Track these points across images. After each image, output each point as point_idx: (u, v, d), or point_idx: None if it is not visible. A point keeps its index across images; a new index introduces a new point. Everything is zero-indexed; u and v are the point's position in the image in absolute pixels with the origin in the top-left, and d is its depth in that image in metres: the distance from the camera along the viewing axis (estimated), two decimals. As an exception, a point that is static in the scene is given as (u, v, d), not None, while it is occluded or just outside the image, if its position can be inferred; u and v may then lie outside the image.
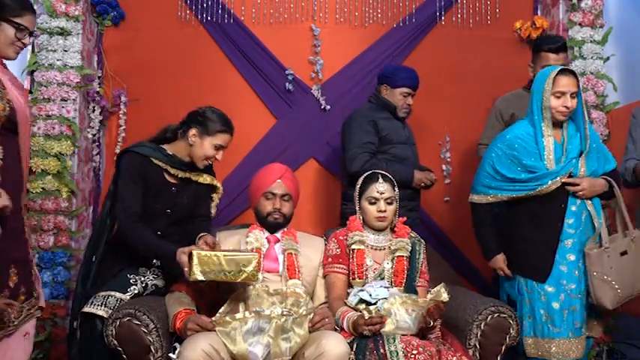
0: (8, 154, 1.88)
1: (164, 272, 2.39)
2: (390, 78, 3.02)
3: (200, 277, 2.03)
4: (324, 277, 2.46)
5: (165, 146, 2.44)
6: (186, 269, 2.10)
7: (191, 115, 2.44)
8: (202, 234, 2.34)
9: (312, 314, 2.11)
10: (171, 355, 2.09)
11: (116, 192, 2.36)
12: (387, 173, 2.53)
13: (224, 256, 2.06)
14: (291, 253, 2.40)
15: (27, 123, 2.03)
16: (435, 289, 2.16)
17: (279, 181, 2.45)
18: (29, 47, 3.20)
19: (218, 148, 2.39)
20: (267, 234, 2.45)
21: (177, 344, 2.12)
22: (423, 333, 2.15)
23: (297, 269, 2.37)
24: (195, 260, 2.04)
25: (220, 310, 2.14)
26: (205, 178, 2.49)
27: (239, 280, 2.07)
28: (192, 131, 2.38)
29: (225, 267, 2.04)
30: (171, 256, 2.16)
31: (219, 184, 2.57)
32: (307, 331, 2.07)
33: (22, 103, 2.00)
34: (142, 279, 2.31)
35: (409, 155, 3.00)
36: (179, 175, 2.42)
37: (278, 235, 2.47)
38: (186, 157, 2.42)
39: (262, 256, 2.23)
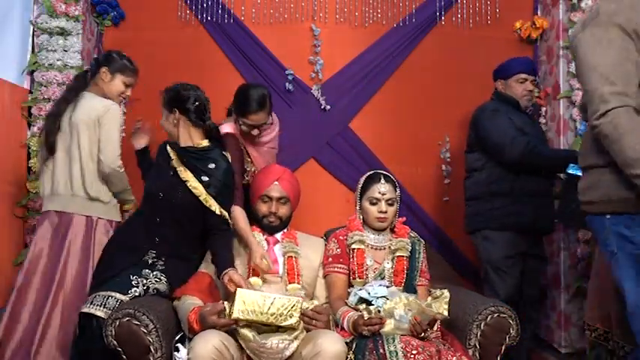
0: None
1: (167, 277, 2.34)
2: (502, 70, 3.01)
3: (240, 317, 1.99)
4: (325, 277, 2.46)
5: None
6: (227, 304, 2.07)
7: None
8: (227, 270, 2.22)
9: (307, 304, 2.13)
10: (175, 354, 2.09)
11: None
12: (388, 174, 2.53)
13: (268, 298, 2.01)
14: (291, 257, 2.40)
15: None
16: (439, 297, 2.12)
17: (276, 183, 2.44)
18: (29, 47, 3.21)
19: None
20: (266, 235, 2.45)
21: (179, 344, 2.12)
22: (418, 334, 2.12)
23: (297, 273, 2.37)
24: (237, 299, 1.99)
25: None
26: (194, 187, 2.31)
27: (281, 324, 2.02)
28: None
29: (267, 310, 2.00)
30: (222, 269, 2.22)
31: (202, 196, 2.32)
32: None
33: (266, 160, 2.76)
34: (145, 282, 2.28)
35: None
36: (171, 162, 2.37)
37: (278, 236, 2.47)
38: (181, 140, 2.41)
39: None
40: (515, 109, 2.94)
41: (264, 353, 1.99)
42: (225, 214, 2.34)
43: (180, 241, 2.39)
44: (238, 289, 2.04)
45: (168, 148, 2.40)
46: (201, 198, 2.31)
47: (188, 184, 2.32)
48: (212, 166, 2.35)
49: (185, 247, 2.40)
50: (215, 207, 2.32)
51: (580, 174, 2.09)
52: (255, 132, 2.63)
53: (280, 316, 2.01)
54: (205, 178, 2.33)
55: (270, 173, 2.50)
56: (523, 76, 2.96)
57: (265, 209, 2.44)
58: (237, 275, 2.21)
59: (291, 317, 2.01)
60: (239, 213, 2.45)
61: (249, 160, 2.71)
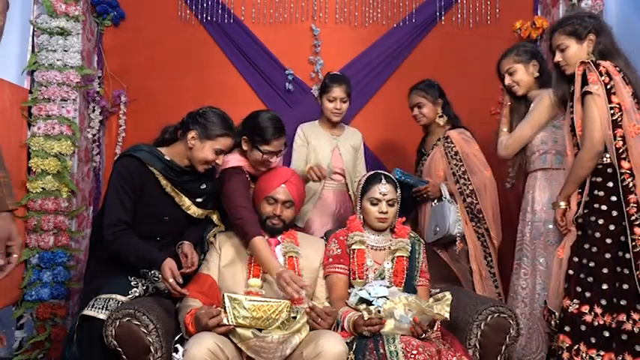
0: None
1: None
2: None
3: (233, 322, 1.99)
4: (325, 277, 2.46)
5: (163, 149, 2.35)
6: (169, 281, 2.12)
7: (191, 115, 2.32)
8: (180, 242, 2.36)
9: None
10: (174, 354, 2.09)
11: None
12: (389, 174, 2.53)
13: (256, 302, 2.01)
14: (292, 257, 2.39)
15: None
16: (441, 299, 2.12)
17: (283, 186, 2.42)
18: (29, 47, 3.21)
19: (219, 152, 2.30)
20: (267, 236, 2.44)
21: (178, 345, 2.12)
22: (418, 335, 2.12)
23: (297, 273, 2.35)
24: (228, 305, 1.99)
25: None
26: (189, 208, 2.38)
27: (271, 328, 2.01)
28: (192, 134, 2.28)
29: (256, 315, 1.99)
30: (158, 263, 2.15)
31: (197, 214, 2.42)
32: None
33: None
34: (143, 281, 2.28)
35: None
36: (166, 190, 2.31)
37: (279, 237, 2.46)
38: (185, 160, 2.34)
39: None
40: None
41: (265, 349, 1.99)
42: (219, 220, 2.54)
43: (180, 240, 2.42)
44: (226, 295, 2.02)
45: (156, 173, 2.29)
46: (199, 215, 2.44)
47: (184, 208, 2.38)
48: (204, 186, 2.41)
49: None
50: (215, 217, 2.52)
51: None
52: (273, 159, 2.51)
53: (267, 320, 2.00)
54: (200, 200, 2.41)
55: (278, 175, 2.46)
56: None
57: (269, 211, 2.42)
58: (187, 246, 2.36)
59: (278, 321, 2.01)
60: (259, 242, 2.32)
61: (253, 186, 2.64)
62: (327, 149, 3.02)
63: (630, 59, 2.59)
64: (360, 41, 3.59)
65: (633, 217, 2.18)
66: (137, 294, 2.22)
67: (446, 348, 2.08)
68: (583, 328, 2.24)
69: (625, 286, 2.18)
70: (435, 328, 2.21)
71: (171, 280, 2.11)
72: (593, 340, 2.22)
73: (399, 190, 2.49)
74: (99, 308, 2.13)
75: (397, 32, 3.60)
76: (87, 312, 2.13)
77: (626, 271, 2.19)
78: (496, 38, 3.60)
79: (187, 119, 2.33)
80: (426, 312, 2.08)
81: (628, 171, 2.21)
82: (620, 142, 2.23)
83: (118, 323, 2.04)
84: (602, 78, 2.27)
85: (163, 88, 3.47)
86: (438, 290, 2.34)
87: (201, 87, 3.48)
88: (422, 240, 2.57)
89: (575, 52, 2.39)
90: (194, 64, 3.55)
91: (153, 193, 2.30)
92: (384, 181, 2.45)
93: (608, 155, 2.28)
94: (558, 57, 2.43)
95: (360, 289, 2.29)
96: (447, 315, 2.07)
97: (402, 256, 2.43)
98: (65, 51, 3.19)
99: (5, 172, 1.65)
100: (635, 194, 2.19)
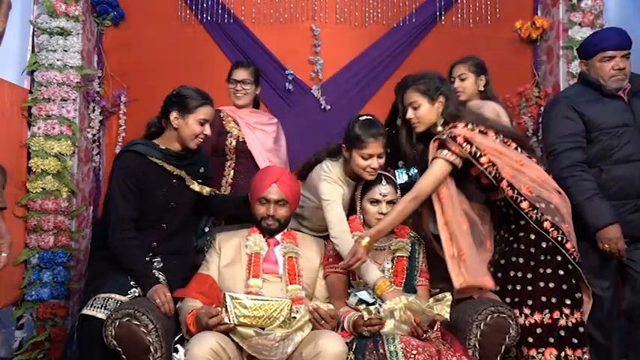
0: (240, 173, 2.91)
1: (165, 274, 2.34)
2: (583, 52, 2.65)
3: (235, 322, 2.00)
4: (325, 277, 2.45)
5: (156, 141, 2.43)
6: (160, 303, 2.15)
7: (167, 99, 2.44)
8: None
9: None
10: (174, 354, 2.09)
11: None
12: (389, 175, 2.52)
13: (257, 301, 2.02)
14: (291, 257, 2.38)
15: (263, 152, 2.96)
16: (441, 300, 2.12)
17: (274, 185, 2.41)
18: (29, 47, 3.21)
19: (203, 122, 2.38)
20: (266, 237, 2.43)
21: (178, 345, 2.12)
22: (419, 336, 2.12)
23: (297, 274, 2.35)
24: (229, 304, 2.00)
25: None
26: (195, 185, 2.47)
27: (271, 327, 2.01)
28: (173, 115, 2.37)
29: (258, 314, 2.00)
30: (147, 287, 2.19)
31: (206, 191, 2.51)
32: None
33: (258, 138, 2.96)
34: None
35: (626, 141, 2.50)
36: (174, 173, 2.40)
37: (278, 237, 2.46)
38: (178, 145, 2.41)
39: (291, 304, 2.10)
40: (600, 92, 2.56)
41: (267, 347, 1.99)
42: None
43: (182, 238, 2.45)
44: (227, 294, 2.03)
45: (156, 161, 2.37)
46: (207, 192, 2.51)
47: (192, 187, 2.46)
48: (202, 170, 2.50)
49: (184, 242, 2.47)
50: (205, 189, 2.53)
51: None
52: (239, 87, 2.98)
53: (269, 318, 2.01)
54: (200, 180, 2.49)
55: (268, 175, 2.47)
56: (609, 54, 2.52)
57: (263, 211, 2.42)
58: None
59: (279, 319, 2.01)
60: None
61: (236, 127, 2.98)
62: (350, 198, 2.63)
63: (630, 59, 2.59)
64: (360, 41, 3.59)
65: (559, 238, 2.29)
66: (136, 294, 2.22)
67: (446, 348, 2.08)
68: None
69: (551, 285, 2.28)
70: (435, 329, 2.21)
71: (162, 299, 2.16)
72: (530, 340, 2.26)
73: (398, 191, 2.49)
74: (98, 307, 2.13)
75: (397, 32, 3.60)
76: (86, 311, 2.13)
77: (549, 271, 2.29)
78: (496, 38, 3.61)
79: (164, 105, 2.44)
80: (426, 312, 2.07)
81: (529, 208, 2.31)
82: (510, 191, 2.32)
83: (117, 323, 2.04)
84: (464, 147, 2.31)
85: (163, 88, 3.42)
86: (437, 290, 2.34)
87: (201, 87, 3.45)
88: (422, 239, 2.56)
89: (426, 111, 2.41)
90: (194, 64, 3.55)
91: (159, 181, 2.37)
92: (384, 182, 2.45)
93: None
94: (410, 114, 2.44)
95: (360, 290, 2.29)
96: (447, 315, 2.07)
97: (402, 256, 2.43)
98: (65, 51, 3.19)
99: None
100: (548, 219, 2.29)
